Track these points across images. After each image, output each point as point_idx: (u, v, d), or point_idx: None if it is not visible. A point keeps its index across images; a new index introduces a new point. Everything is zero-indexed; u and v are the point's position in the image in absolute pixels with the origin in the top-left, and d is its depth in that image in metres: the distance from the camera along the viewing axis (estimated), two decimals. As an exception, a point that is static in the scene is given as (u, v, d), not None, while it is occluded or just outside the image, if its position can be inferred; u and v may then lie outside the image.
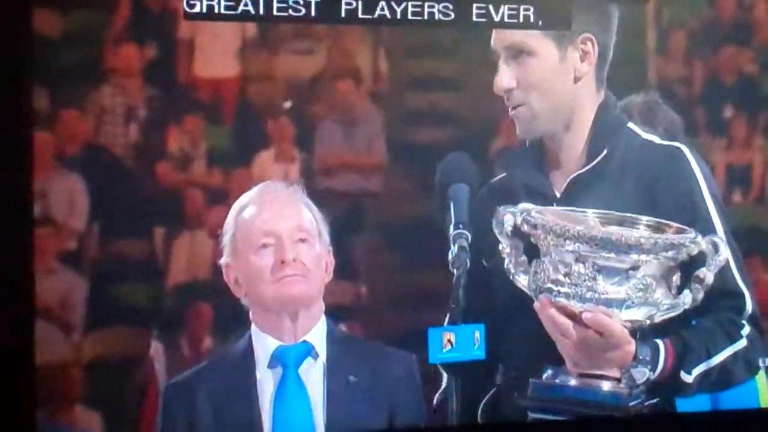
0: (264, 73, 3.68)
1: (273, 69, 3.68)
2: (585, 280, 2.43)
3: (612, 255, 2.36)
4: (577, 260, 2.40)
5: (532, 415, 2.32)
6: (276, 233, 2.90)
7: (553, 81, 2.43)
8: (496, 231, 2.32)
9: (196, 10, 2.93)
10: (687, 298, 2.35)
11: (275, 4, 3.07)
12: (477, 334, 2.40)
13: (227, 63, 3.66)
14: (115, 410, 3.49)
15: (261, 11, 3.03)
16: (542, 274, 2.31)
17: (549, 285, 2.36)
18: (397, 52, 3.46)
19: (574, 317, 2.31)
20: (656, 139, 2.44)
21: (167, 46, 3.57)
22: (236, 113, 3.67)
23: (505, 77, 2.43)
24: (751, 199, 4.17)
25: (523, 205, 2.37)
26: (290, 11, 3.06)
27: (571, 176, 2.39)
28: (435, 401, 2.51)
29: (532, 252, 2.37)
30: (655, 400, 2.41)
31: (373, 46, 3.80)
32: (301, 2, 3.05)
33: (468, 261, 2.26)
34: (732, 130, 4.17)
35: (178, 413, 2.83)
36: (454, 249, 2.28)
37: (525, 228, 2.34)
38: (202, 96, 3.64)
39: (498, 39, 2.43)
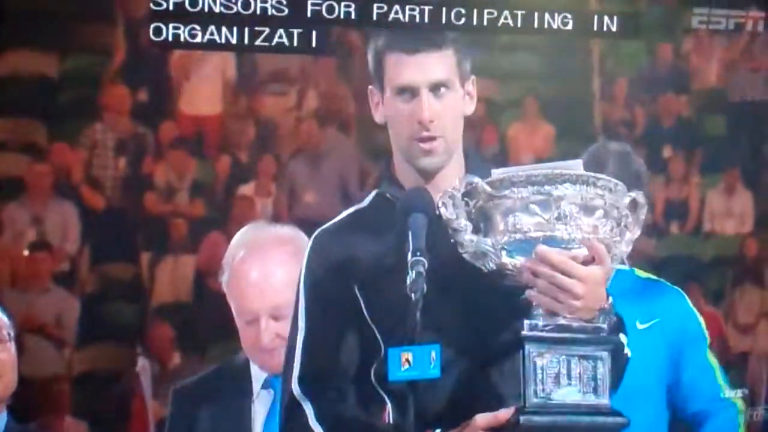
0: (243, 113, 3.94)
1: (251, 109, 3.93)
2: (574, 219, 2.49)
3: (596, 191, 2.45)
4: (560, 200, 2.48)
5: (534, 351, 2.45)
6: (254, 314, 2.92)
7: (459, 116, 2.62)
8: (451, 209, 2.43)
9: (162, 38, 2.97)
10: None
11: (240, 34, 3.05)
12: (433, 354, 2.52)
13: (211, 102, 3.90)
14: (101, 420, 3.70)
15: (225, 40, 3.03)
16: (518, 225, 2.40)
17: (531, 234, 2.44)
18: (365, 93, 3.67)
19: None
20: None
21: (156, 86, 3.81)
22: (219, 149, 3.91)
23: (428, 110, 2.57)
24: (688, 230, 4.47)
25: (471, 177, 2.48)
26: (255, 40, 3.09)
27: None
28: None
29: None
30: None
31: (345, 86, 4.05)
32: (267, 31, 3.00)
33: (425, 286, 2.43)
34: (670, 168, 4.47)
35: (183, 417, 2.89)
36: (412, 274, 2.44)
37: (490, 191, 2.44)
38: (186, 132, 3.89)
39: (422, 75, 2.56)
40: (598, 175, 2.47)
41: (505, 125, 4.29)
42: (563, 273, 2.43)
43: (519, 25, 3.10)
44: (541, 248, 2.43)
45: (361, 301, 2.55)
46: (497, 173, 2.44)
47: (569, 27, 3.14)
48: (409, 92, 2.55)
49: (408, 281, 2.41)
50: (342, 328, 2.57)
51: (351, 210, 2.63)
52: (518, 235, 2.45)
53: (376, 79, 2.58)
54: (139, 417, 3.56)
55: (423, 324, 2.45)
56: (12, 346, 2.78)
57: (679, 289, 3.29)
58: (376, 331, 2.54)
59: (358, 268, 2.56)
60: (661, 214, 4.39)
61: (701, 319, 3.29)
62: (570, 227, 2.45)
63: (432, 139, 2.53)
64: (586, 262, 2.47)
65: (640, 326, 3.23)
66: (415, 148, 2.57)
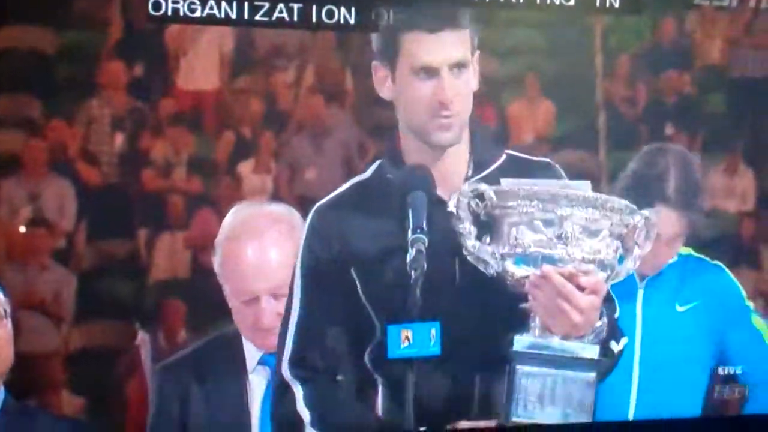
0: (242, 88, 3.92)
1: (250, 84, 3.91)
2: (576, 240, 2.49)
3: (595, 213, 2.45)
4: (563, 220, 2.48)
5: (521, 368, 2.44)
6: (254, 294, 2.81)
7: (471, 93, 2.59)
8: (457, 211, 2.42)
9: (161, 12, 2.94)
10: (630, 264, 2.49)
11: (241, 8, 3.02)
12: (433, 331, 2.51)
13: (208, 77, 3.88)
14: (99, 396, 3.69)
15: (225, 14, 3.00)
16: (519, 239, 2.39)
17: (531, 250, 2.44)
18: (363, 69, 3.67)
19: (572, 281, 2.39)
20: (529, 156, 2.60)
21: (153, 62, 3.78)
22: (217, 125, 3.90)
23: (450, 90, 2.54)
24: (689, 209, 4.44)
25: (480, 184, 2.47)
26: (254, 16, 3.01)
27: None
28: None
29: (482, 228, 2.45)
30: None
31: (341, 64, 4.04)
32: (266, 7, 3.01)
33: (425, 263, 2.41)
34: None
35: (170, 393, 2.88)
36: (412, 252, 2.42)
37: (496, 201, 2.43)
38: (183, 108, 3.87)
39: (443, 55, 2.52)
40: (606, 197, 2.45)
41: (506, 102, 4.26)
42: (563, 298, 2.42)
43: (521, 0, 3.07)
44: (547, 269, 2.42)
45: (357, 283, 2.53)
46: (506, 183, 2.42)
47: (571, 3, 3.12)
48: (429, 72, 2.52)
49: (408, 259, 2.40)
50: (337, 311, 2.55)
51: (353, 182, 2.60)
52: (518, 249, 2.44)
53: (385, 56, 2.54)
54: (138, 391, 3.56)
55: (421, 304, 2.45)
56: (8, 323, 2.77)
57: (720, 264, 3.27)
58: (372, 313, 2.52)
59: (356, 250, 2.53)
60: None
61: (742, 290, 3.28)
62: (571, 248, 2.44)
63: (449, 116, 2.51)
64: (580, 286, 2.45)
65: (679, 309, 3.22)
66: (431, 124, 2.54)
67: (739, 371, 3.26)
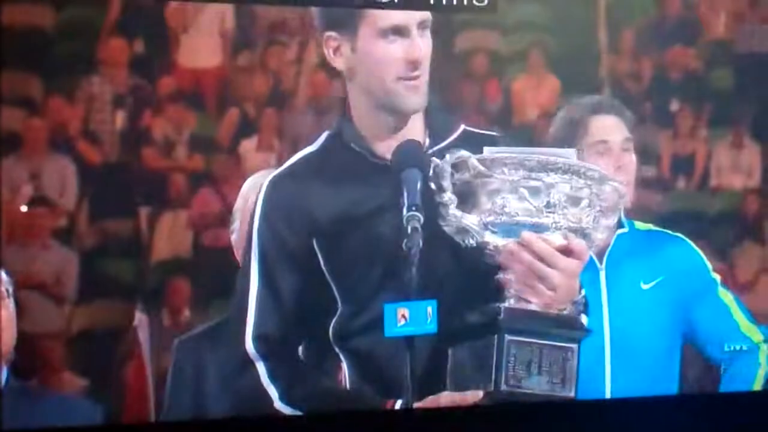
0: (244, 65, 3.89)
1: (252, 61, 3.89)
2: (562, 209, 2.50)
3: (579, 181, 2.46)
4: (550, 188, 2.48)
5: (509, 337, 2.45)
6: None
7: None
8: (437, 180, 2.42)
9: None
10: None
11: None
12: (429, 309, 2.51)
13: (210, 54, 3.86)
14: (101, 376, 3.69)
15: None
16: (506, 208, 2.39)
17: (518, 219, 2.44)
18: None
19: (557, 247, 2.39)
20: (483, 131, 2.59)
21: (153, 39, 3.76)
22: (219, 102, 3.88)
23: (420, 49, 2.54)
24: (694, 185, 4.43)
25: (463, 152, 2.46)
26: None
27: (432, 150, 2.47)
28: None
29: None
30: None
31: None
32: None
33: (420, 241, 2.40)
34: (677, 122, 4.42)
35: (189, 366, 2.93)
36: (407, 229, 2.41)
37: (481, 169, 2.43)
38: (184, 85, 3.85)
39: (411, 13, 2.51)
40: (588, 165, 2.45)
41: (510, 79, 4.23)
42: (544, 262, 2.41)
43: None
44: (527, 234, 2.41)
45: (320, 256, 2.50)
46: (489, 151, 2.41)
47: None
48: (397, 32, 2.50)
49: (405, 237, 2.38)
50: (298, 284, 2.52)
51: (302, 154, 2.57)
52: (504, 218, 2.43)
53: (344, 24, 2.51)
54: (137, 372, 3.56)
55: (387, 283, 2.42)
56: (11, 303, 2.77)
57: (680, 236, 3.24)
58: (334, 288, 2.49)
59: (317, 220, 2.50)
60: (668, 168, 4.35)
61: (707, 261, 3.25)
62: (557, 216, 2.44)
63: (419, 76, 2.49)
64: (562, 251, 2.45)
65: (644, 286, 3.20)
66: (399, 87, 2.52)
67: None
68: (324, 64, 4.06)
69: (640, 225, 3.33)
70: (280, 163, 3.83)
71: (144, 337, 3.61)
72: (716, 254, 4.23)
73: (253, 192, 2.92)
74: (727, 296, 3.32)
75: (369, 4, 2.80)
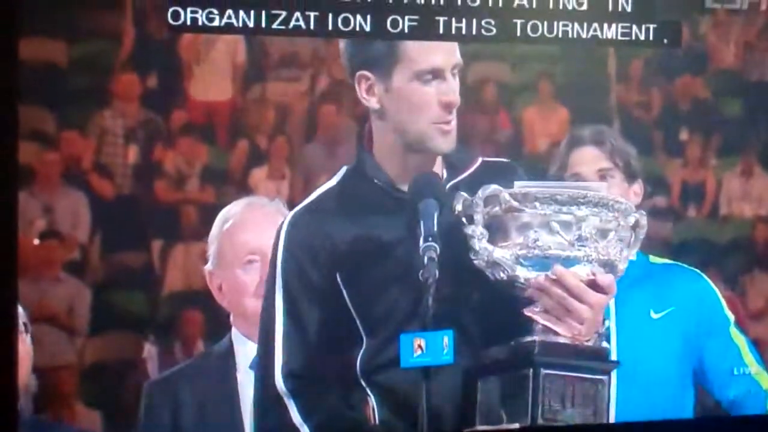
0: (255, 98, 3.91)
1: (263, 94, 3.91)
2: (593, 242, 2.52)
3: (612, 215, 2.48)
4: (581, 222, 2.50)
5: (545, 371, 2.46)
6: (261, 251, 2.92)
7: None
8: (468, 214, 2.43)
9: (180, 22, 2.98)
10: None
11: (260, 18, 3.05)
12: (446, 339, 2.51)
13: (221, 87, 3.88)
14: (114, 409, 3.69)
15: (243, 23, 3.04)
16: (539, 242, 2.41)
17: (551, 252, 2.46)
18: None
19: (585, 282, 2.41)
20: (495, 159, 2.61)
21: (165, 73, 3.79)
22: (230, 135, 3.90)
23: (455, 93, 2.58)
24: (704, 213, 4.43)
25: (495, 186, 2.49)
26: (271, 24, 3.08)
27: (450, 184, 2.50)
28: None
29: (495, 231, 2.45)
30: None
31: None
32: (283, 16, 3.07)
33: (437, 271, 2.41)
34: (687, 151, 4.43)
35: (160, 411, 2.92)
36: (424, 260, 2.43)
37: (513, 204, 2.45)
38: (196, 118, 3.87)
39: (448, 57, 2.54)
40: (617, 198, 2.47)
41: (519, 109, 4.25)
42: (575, 297, 2.43)
43: (534, 6, 3.07)
44: (559, 269, 2.43)
45: (344, 291, 2.51)
46: (520, 186, 2.43)
47: (584, 8, 3.12)
48: (433, 75, 2.52)
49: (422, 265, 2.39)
50: (325, 320, 2.53)
51: (321, 190, 2.59)
52: (537, 251, 2.45)
53: (375, 64, 2.53)
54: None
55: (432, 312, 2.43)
56: (27, 337, 2.78)
57: (697, 271, 3.25)
58: (358, 322, 2.49)
59: (341, 254, 2.51)
60: (678, 197, 4.36)
61: (722, 299, 3.25)
62: (589, 249, 2.46)
63: (452, 120, 2.51)
64: (591, 285, 2.47)
65: (654, 315, 3.20)
66: (433, 131, 2.54)
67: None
68: (333, 97, 4.10)
69: (655, 258, 3.33)
70: (291, 192, 3.86)
71: (153, 369, 3.62)
72: (726, 283, 4.23)
73: (228, 217, 2.99)
74: (739, 338, 3.32)
75: (380, 35, 2.82)
